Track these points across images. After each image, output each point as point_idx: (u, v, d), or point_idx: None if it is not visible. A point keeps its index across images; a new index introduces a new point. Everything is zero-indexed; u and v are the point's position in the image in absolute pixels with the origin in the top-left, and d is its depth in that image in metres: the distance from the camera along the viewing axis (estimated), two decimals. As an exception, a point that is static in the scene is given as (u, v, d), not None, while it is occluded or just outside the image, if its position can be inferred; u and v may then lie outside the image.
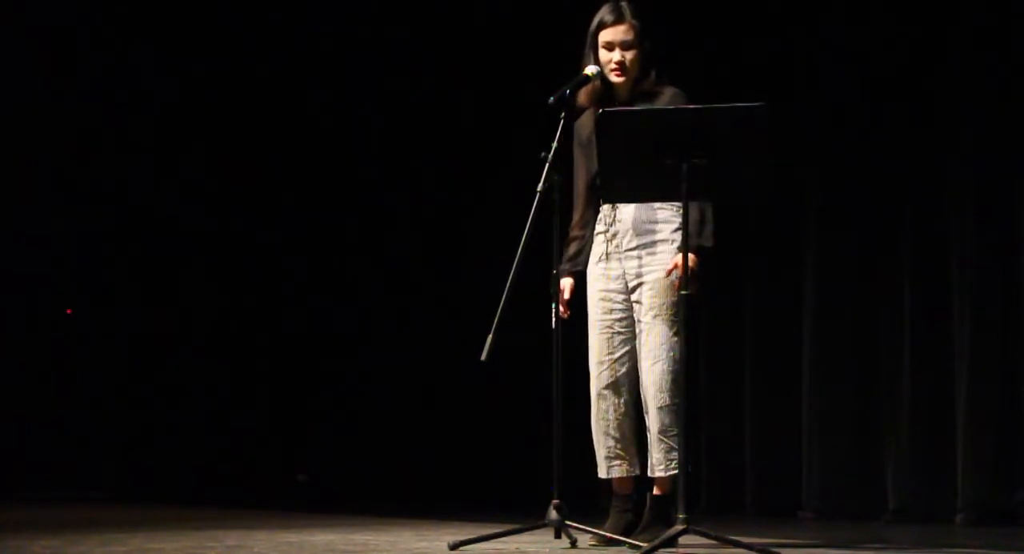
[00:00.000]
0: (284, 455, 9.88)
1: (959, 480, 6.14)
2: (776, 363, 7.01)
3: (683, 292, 4.60)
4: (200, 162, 9.95)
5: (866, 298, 6.68)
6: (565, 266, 5.16)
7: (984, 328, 6.16)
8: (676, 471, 4.93)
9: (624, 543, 4.87)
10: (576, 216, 5.20)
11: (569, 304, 5.12)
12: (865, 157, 6.67)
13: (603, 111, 4.76)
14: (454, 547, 4.77)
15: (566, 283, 5.15)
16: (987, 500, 6.07)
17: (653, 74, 5.09)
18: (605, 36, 5.09)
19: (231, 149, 9.87)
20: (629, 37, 5.07)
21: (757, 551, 4.50)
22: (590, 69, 5.07)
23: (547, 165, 4.91)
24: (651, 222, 5.04)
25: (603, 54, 5.08)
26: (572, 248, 5.21)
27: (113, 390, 10.16)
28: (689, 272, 4.69)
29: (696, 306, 4.69)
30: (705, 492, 7.15)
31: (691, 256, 4.75)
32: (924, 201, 6.45)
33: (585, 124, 5.17)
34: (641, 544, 4.70)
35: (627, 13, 5.09)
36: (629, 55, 5.07)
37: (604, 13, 5.11)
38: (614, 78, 5.07)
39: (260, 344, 9.93)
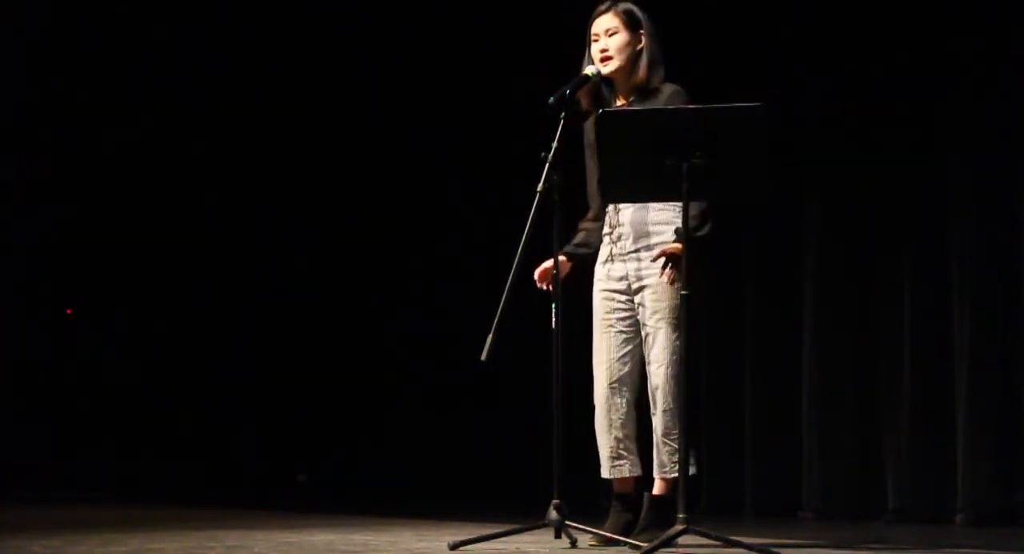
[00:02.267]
0: (284, 455, 9.88)
1: (959, 480, 6.14)
2: (776, 363, 7.01)
3: (683, 292, 4.60)
4: (200, 161, 9.95)
5: (866, 298, 6.68)
6: (567, 248, 5.16)
7: (984, 328, 6.16)
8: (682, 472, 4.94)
9: (623, 543, 4.87)
10: (591, 213, 5.22)
11: (555, 283, 5.01)
12: (865, 157, 6.67)
13: (603, 111, 4.79)
14: (454, 547, 4.77)
15: (561, 259, 5.09)
16: (987, 500, 6.07)
17: (644, 65, 5.09)
18: (593, 28, 5.14)
19: (231, 148, 9.88)
20: (612, 24, 5.10)
21: (757, 551, 4.50)
22: (589, 69, 5.09)
23: (547, 165, 4.92)
24: (651, 224, 5.04)
25: (592, 46, 5.12)
26: (578, 237, 5.23)
27: (113, 390, 10.15)
28: (673, 258, 4.78)
29: (696, 306, 4.68)
30: (705, 492, 7.14)
31: (678, 245, 4.78)
32: (924, 201, 6.44)
33: (591, 127, 5.18)
34: (641, 544, 4.70)
35: (615, 4, 5.11)
36: (613, 42, 5.09)
37: (596, 8, 5.15)
38: (602, 67, 5.08)
39: (260, 344, 9.93)
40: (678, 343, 4.95)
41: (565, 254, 5.13)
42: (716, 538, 4.53)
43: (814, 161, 6.87)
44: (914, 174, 6.48)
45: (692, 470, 4.92)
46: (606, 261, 5.15)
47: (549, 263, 5.11)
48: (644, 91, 5.08)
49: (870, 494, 6.54)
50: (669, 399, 4.96)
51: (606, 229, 5.16)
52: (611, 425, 5.11)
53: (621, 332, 5.12)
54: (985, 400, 6.13)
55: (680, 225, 4.89)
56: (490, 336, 4.78)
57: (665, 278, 4.96)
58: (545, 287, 5.15)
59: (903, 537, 5.55)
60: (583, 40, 5.17)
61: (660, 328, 5.00)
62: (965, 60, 6.28)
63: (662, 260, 4.97)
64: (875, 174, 6.63)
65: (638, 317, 5.07)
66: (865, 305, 6.69)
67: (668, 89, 5.07)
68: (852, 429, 6.68)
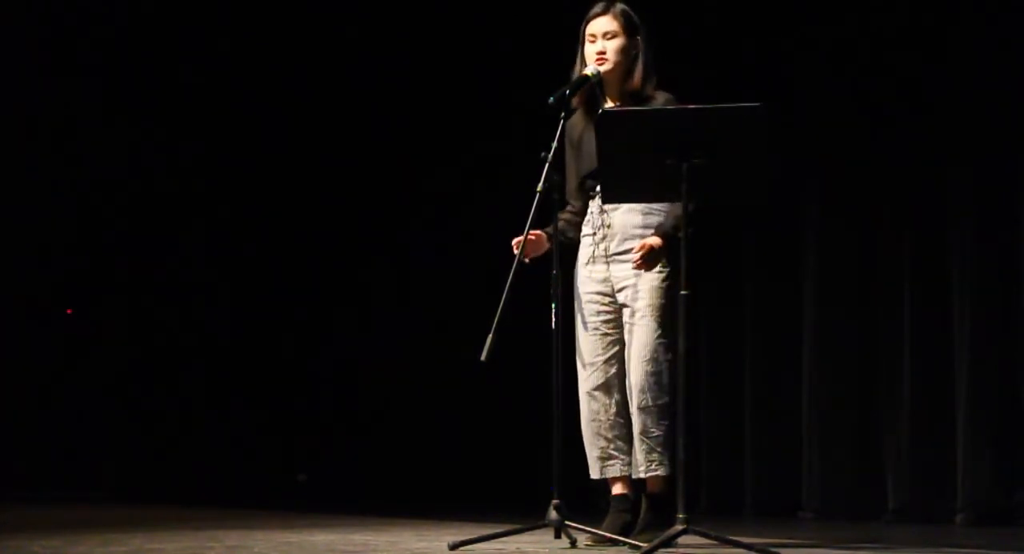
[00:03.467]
0: (284, 455, 9.88)
1: (959, 480, 6.14)
2: (776, 363, 7.01)
3: (683, 292, 4.60)
4: (200, 162, 9.95)
5: (866, 298, 6.68)
6: (549, 229, 5.06)
7: (984, 328, 6.16)
8: (657, 472, 4.95)
9: (621, 543, 4.87)
10: (571, 208, 5.21)
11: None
12: (865, 157, 6.67)
13: (603, 111, 4.78)
14: (454, 547, 4.77)
15: (539, 233, 5.02)
16: (987, 500, 6.07)
17: (639, 70, 5.09)
18: (590, 29, 5.13)
19: (232, 150, 9.88)
20: (611, 27, 5.09)
21: (757, 551, 4.50)
22: (589, 69, 5.08)
23: (547, 165, 4.92)
24: (639, 227, 5.04)
25: (588, 47, 5.11)
26: (560, 223, 5.13)
27: (113, 390, 10.16)
28: (652, 253, 4.89)
29: (694, 306, 4.68)
30: (705, 492, 7.15)
31: (658, 239, 4.91)
32: (924, 201, 6.45)
33: (575, 125, 5.17)
34: (640, 544, 4.70)
35: (613, 7, 5.12)
36: (611, 44, 5.08)
37: (591, 10, 5.15)
38: (598, 66, 5.07)
39: (260, 344, 9.93)
40: (660, 342, 4.96)
41: (547, 233, 5.05)
42: (716, 538, 4.53)
43: (814, 161, 6.87)
44: (914, 174, 6.47)
45: (665, 470, 4.93)
46: (588, 262, 5.14)
47: (530, 235, 5.03)
48: (637, 97, 5.08)
49: (870, 494, 6.54)
50: (647, 397, 4.96)
51: (589, 229, 5.15)
52: (600, 427, 5.10)
53: (606, 335, 5.12)
54: (985, 400, 6.13)
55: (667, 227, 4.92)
56: (490, 336, 4.77)
57: (647, 277, 4.97)
58: (518, 256, 5.02)
59: (903, 537, 5.54)
60: (579, 40, 5.17)
61: (640, 325, 5.00)
62: (965, 59, 6.28)
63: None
64: (875, 174, 6.63)
65: (623, 318, 5.08)
66: (865, 305, 6.69)
67: (661, 97, 5.06)
68: (852, 429, 6.68)
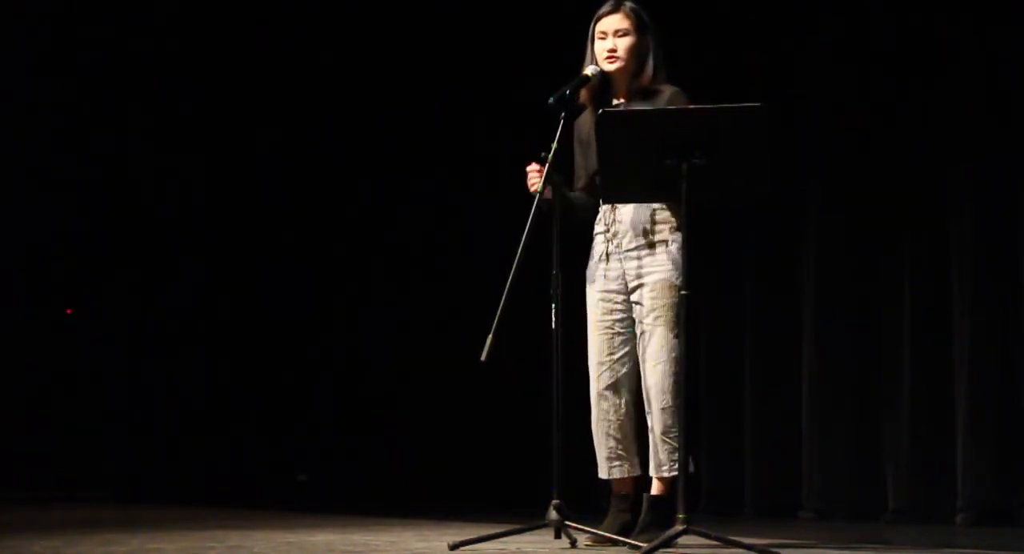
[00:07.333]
0: (284, 455, 9.88)
1: (959, 480, 6.14)
2: (776, 363, 7.01)
3: (683, 292, 4.61)
4: (197, 160, 9.95)
5: (866, 298, 6.68)
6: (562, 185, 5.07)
7: (984, 328, 6.16)
8: (677, 472, 4.94)
9: (622, 543, 4.87)
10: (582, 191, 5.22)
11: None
12: (865, 157, 6.67)
13: (603, 111, 4.78)
14: (454, 547, 4.77)
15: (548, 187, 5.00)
16: (987, 500, 6.07)
17: (650, 68, 5.10)
18: (600, 26, 5.13)
19: (228, 146, 9.88)
20: (623, 25, 5.10)
21: (757, 551, 4.50)
22: (589, 69, 5.09)
23: (547, 165, 4.92)
24: (650, 222, 5.04)
25: (598, 44, 5.12)
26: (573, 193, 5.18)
27: (113, 390, 10.15)
28: None
29: (696, 306, 4.69)
30: (705, 492, 7.15)
31: None
32: (924, 201, 6.44)
33: (584, 123, 5.19)
34: (640, 544, 4.70)
35: (624, 5, 5.12)
36: (622, 42, 5.09)
37: (602, 7, 5.15)
38: (607, 66, 5.08)
39: (260, 344, 9.93)
40: (676, 342, 4.96)
41: (555, 183, 4.99)
42: (716, 538, 4.52)
43: (814, 161, 6.87)
44: (914, 174, 6.47)
45: (691, 468, 4.92)
46: (601, 259, 5.15)
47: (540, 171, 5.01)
48: (645, 92, 5.09)
49: (870, 494, 6.54)
50: (667, 397, 4.96)
51: (601, 227, 5.16)
52: (610, 427, 5.11)
53: (619, 334, 5.12)
54: (985, 400, 6.12)
55: (678, 226, 4.92)
56: (490, 337, 4.77)
57: (662, 275, 4.97)
58: (533, 182, 5.03)
59: (903, 537, 5.54)
60: (582, 38, 5.17)
61: (657, 326, 5.00)
62: (965, 59, 6.28)
63: (660, 258, 4.98)
64: (875, 174, 6.62)
65: (634, 316, 5.07)
66: (865, 305, 6.68)
67: (669, 90, 5.07)
68: (852, 429, 6.68)
